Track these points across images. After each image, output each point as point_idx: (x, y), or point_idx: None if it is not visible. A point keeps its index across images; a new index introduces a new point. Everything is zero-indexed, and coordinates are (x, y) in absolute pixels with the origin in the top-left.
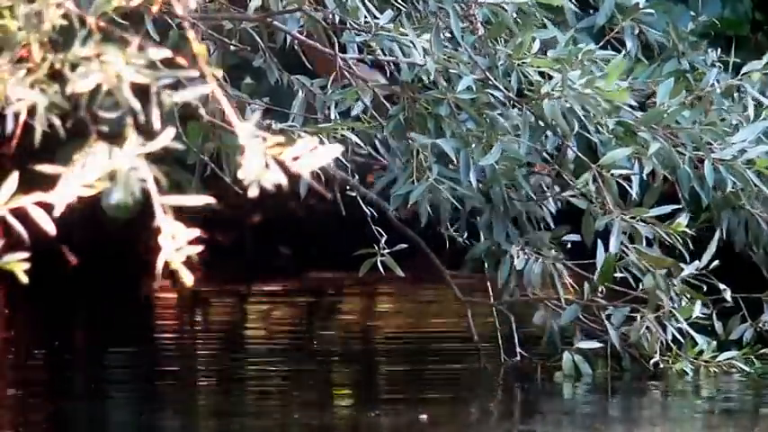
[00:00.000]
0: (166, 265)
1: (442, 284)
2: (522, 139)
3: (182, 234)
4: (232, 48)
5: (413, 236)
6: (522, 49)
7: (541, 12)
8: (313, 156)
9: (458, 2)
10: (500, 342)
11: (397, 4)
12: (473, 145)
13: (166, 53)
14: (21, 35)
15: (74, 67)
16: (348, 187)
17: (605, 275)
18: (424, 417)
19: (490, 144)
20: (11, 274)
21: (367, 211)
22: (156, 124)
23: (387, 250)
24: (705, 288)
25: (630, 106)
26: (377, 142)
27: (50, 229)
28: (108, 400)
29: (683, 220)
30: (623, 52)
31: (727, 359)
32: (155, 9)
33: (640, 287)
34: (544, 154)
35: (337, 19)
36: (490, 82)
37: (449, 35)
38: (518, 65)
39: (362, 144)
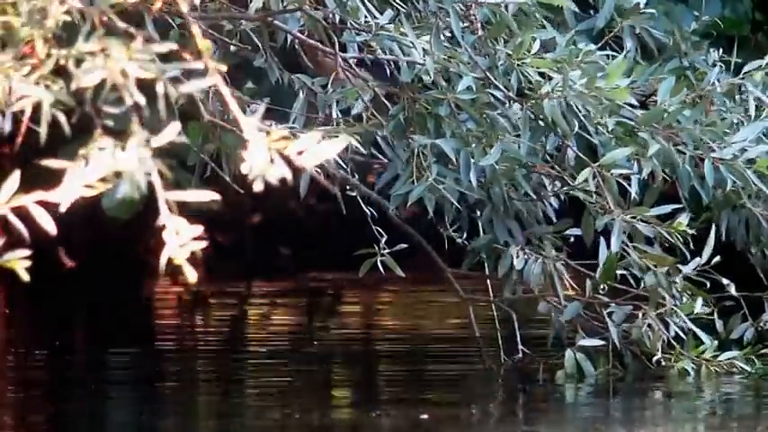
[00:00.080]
0: (169, 261)
1: (442, 284)
2: (522, 139)
3: (186, 230)
4: (232, 48)
5: (413, 235)
6: (522, 49)
7: (542, 12)
8: (318, 150)
9: (458, 2)
10: (500, 341)
11: (397, 4)
12: (473, 145)
13: (172, 46)
14: (24, 31)
15: (78, 62)
16: (348, 187)
17: (607, 274)
18: (425, 417)
19: (490, 144)
20: (11, 273)
21: (367, 210)
22: (163, 117)
23: (387, 250)
24: (708, 285)
25: (631, 105)
26: (378, 140)
27: (51, 228)
28: (108, 401)
29: (683, 219)
30: (623, 53)
31: (729, 359)
32: (158, 5)
33: (641, 286)
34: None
35: (337, 19)
36: (490, 82)
37: (449, 35)
38: (518, 65)
39: (361, 145)
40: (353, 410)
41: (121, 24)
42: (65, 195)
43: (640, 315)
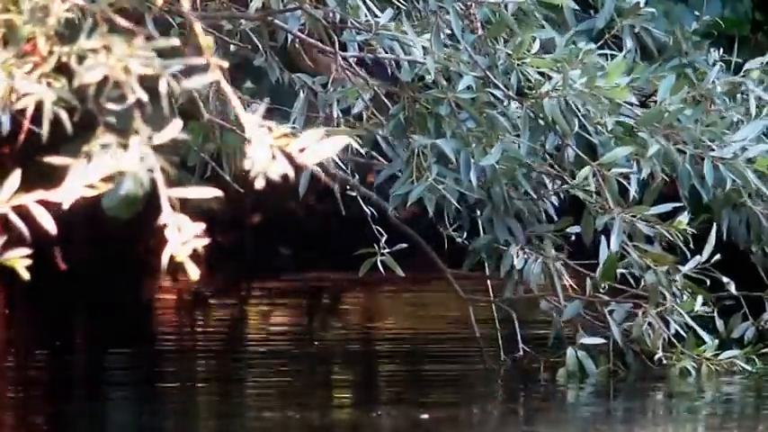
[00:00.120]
0: (170, 259)
1: (442, 284)
2: (522, 138)
3: (188, 227)
4: (232, 47)
5: (413, 235)
6: (522, 48)
7: (541, 11)
8: (319, 147)
9: (458, 1)
10: (500, 341)
11: (397, 3)
12: (473, 145)
13: (174, 41)
14: (26, 29)
15: (80, 59)
16: (348, 187)
17: (607, 273)
18: (425, 417)
19: (490, 144)
20: (11, 274)
21: (367, 210)
22: (165, 114)
23: (387, 250)
24: (708, 283)
25: (631, 105)
26: (378, 139)
27: (51, 227)
28: (108, 401)
29: (683, 218)
30: (623, 52)
31: (729, 358)
32: (159, 2)
33: (642, 284)
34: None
35: (338, 18)
36: (490, 81)
37: (449, 34)
38: (518, 64)
39: (361, 145)
40: (353, 410)
41: (122, 22)
42: (66, 195)
43: (640, 313)
